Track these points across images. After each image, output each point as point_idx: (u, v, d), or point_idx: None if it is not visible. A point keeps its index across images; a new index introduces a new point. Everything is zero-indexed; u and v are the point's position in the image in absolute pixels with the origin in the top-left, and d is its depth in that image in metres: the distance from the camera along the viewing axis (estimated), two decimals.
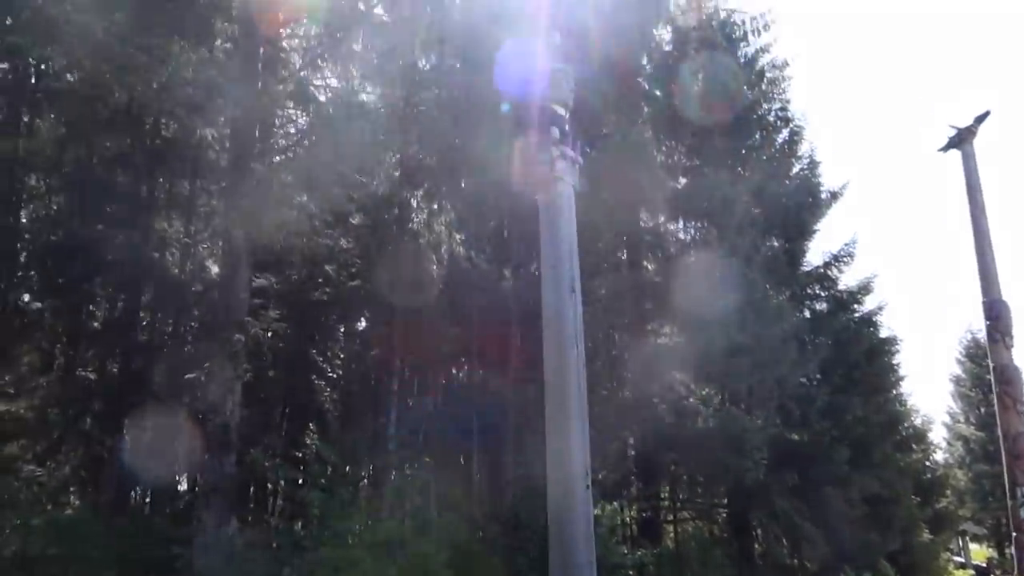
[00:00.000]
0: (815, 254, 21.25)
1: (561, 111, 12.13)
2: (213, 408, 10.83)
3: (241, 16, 11.16)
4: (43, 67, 13.53)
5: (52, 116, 14.70)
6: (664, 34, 21.67)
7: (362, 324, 17.38)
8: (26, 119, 15.67)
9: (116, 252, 13.58)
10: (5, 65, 15.03)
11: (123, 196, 14.67)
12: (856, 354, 20.62)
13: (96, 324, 15.63)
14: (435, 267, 14.40)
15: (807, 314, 20.68)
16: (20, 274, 15.79)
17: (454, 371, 17.01)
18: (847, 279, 21.53)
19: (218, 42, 13.31)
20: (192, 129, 12.15)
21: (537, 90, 12.39)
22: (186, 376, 13.44)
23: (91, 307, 15.67)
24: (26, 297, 16.45)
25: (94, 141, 13.97)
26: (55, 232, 15.44)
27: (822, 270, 21.27)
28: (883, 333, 22.73)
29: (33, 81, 14.29)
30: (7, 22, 11.55)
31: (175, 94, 10.22)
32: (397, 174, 14.94)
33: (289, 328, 14.19)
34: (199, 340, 13.43)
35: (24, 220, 16.31)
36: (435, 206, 14.68)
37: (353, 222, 14.92)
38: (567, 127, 12.04)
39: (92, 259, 13.58)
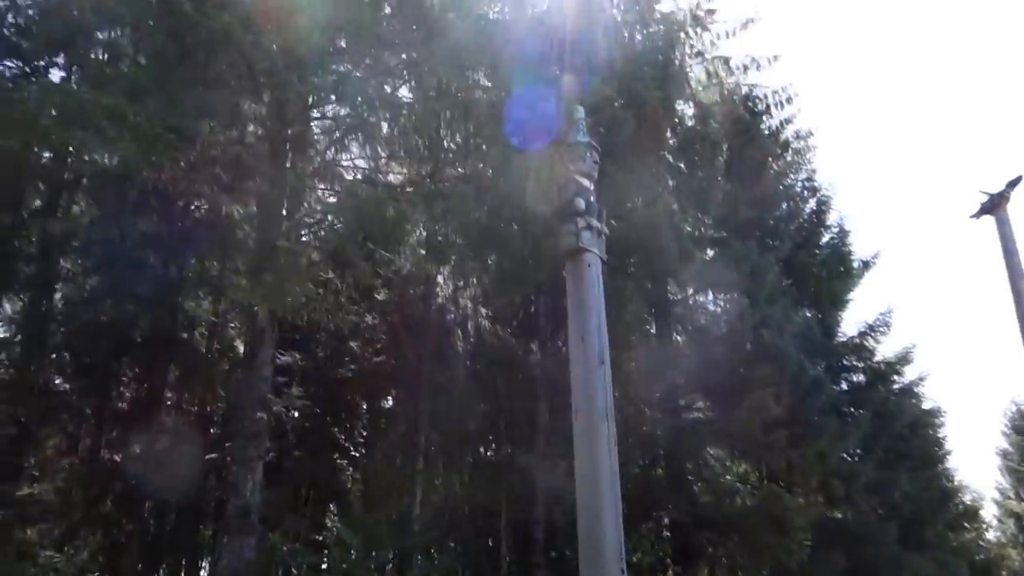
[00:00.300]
0: (850, 324, 20.70)
1: (586, 182, 12.10)
2: (234, 489, 10.55)
3: (269, 97, 11.42)
4: (74, 150, 13.92)
5: (85, 198, 15.06)
6: (687, 109, 21.96)
7: (388, 401, 17.17)
8: (63, 203, 16.14)
9: (144, 332, 13.62)
10: (46, 153, 15.58)
11: (153, 276, 14.84)
12: (899, 427, 19.75)
13: (122, 404, 15.59)
14: (461, 342, 14.23)
15: (845, 386, 20.02)
16: (51, 356, 15.92)
17: (481, 448, 16.59)
18: (884, 349, 20.84)
19: (249, 127, 13.67)
20: (220, 208, 12.30)
21: (561, 163, 12.39)
22: (208, 457, 13.22)
23: (118, 387, 15.66)
24: (58, 380, 16.56)
25: (125, 222, 14.24)
26: (86, 313, 15.62)
27: (858, 340, 20.63)
28: (926, 405, 21.83)
29: (69, 162, 14.71)
30: (46, 111, 11.93)
31: (204, 174, 10.37)
32: (423, 252, 14.96)
33: (312, 406, 13.99)
34: (222, 420, 13.29)
35: (57, 302, 16.58)
36: (461, 281, 14.62)
37: (379, 298, 14.90)
38: (592, 198, 11.97)
39: (121, 339, 13.63)
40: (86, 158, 13.75)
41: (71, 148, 12.75)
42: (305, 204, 12.49)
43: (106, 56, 14.95)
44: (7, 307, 16.92)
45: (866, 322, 20.83)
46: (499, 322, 14.91)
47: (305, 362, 14.36)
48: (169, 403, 15.48)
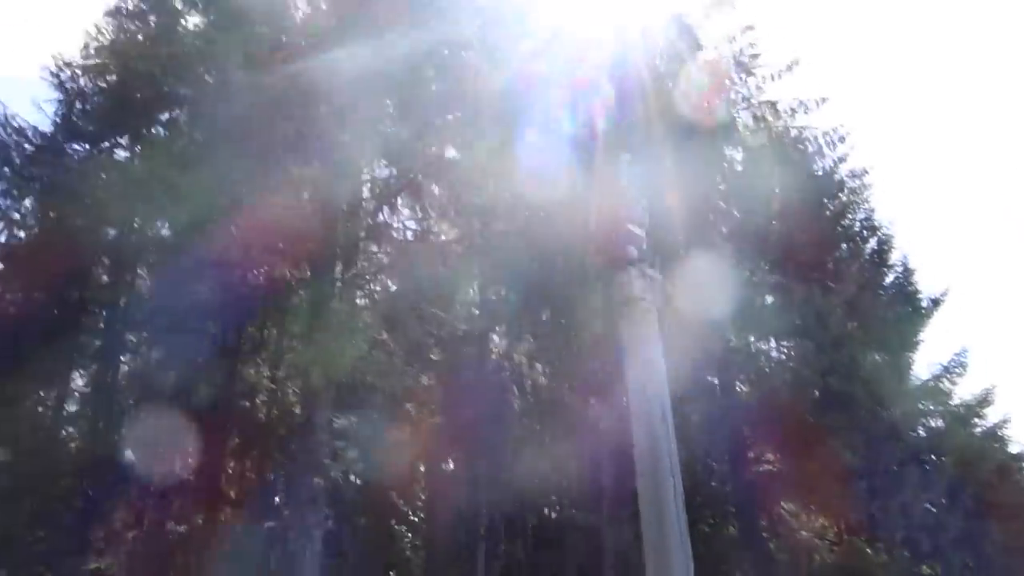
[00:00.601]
0: (922, 367, 19.77)
1: (637, 230, 11.87)
2: (291, 559, 10.39)
3: (320, 158, 11.66)
4: (137, 224, 14.40)
5: (147, 271, 15.52)
6: (736, 154, 21.71)
7: (447, 464, 16.82)
8: (127, 277, 16.67)
9: (204, 400, 13.75)
10: (111, 229, 16.20)
11: (212, 344, 15.05)
12: (985, 473, 18.60)
13: (186, 475, 15.68)
14: (518, 400, 13.93)
15: (922, 432, 18.99)
16: (117, 428, 16.21)
17: (545, 510, 16.08)
18: (962, 392, 19.80)
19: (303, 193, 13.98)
20: (274, 273, 12.49)
21: (612, 212, 12.23)
22: (267, 525, 13.12)
23: (182, 458, 15.78)
24: (124, 452, 16.83)
25: (184, 291, 14.55)
26: (149, 384, 15.90)
27: (933, 384, 19.67)
28: (1013, 448, 20.58)
29: (132, 237, 15.21)
30: (109, 188, 12.43)
31: (257, 239, 10.56)
32: (476, 312, 14.88)
33: (369, 470, 13.83)
34: (280, 486, 13.23)
35: (122, 375, 16.98)
36: (515, 338, 14.44)
37: (433, 358, 14.80)
38: (644, 245, 11.71)
39: (182, 409, 13.79)
40: (149, 233, 14.22)
41: (134, 223, 13.20)
42: (357, 265, 12.61)
43: (166, 133, 15.60)
44: (76, 380, 17.37)
45: (940, 364, 19.88)
46: (556, 378, 14.60)
47: (361, 426, 14.23)
48: (229, 471, 15.51)
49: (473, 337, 13.99)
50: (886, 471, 14.73)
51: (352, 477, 13.48)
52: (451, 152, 12.77)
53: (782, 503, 15.07)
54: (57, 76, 17.17)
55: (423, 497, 16.70)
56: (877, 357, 18.59)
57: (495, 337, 14.51)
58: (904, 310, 19.50)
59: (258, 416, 15.43)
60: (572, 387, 14.48)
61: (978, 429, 19.50)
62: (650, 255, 11.44)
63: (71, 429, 17.57)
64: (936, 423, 19.61)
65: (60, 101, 17.05)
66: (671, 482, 9.73)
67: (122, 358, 17.24)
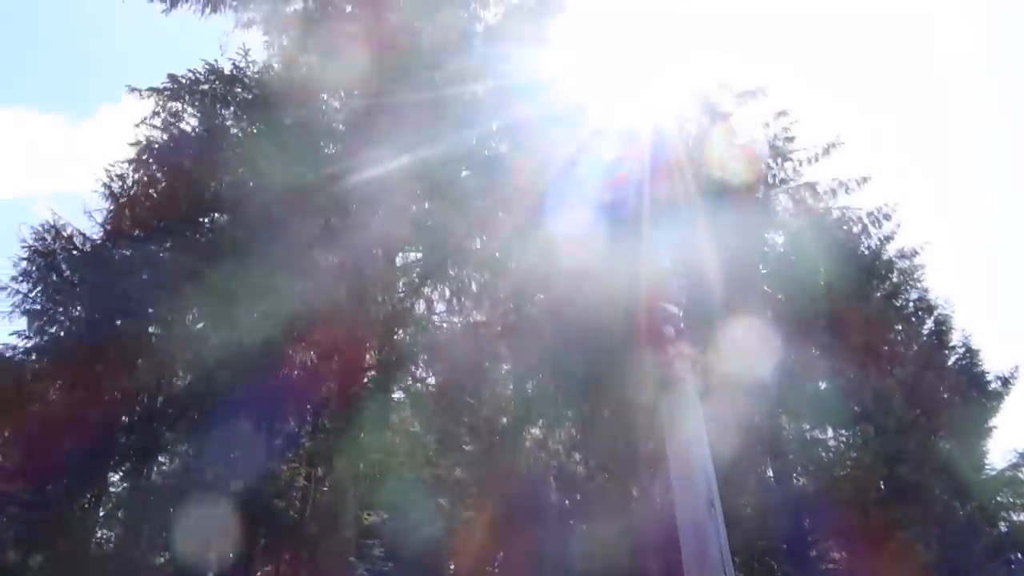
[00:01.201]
0: (997, 454, 18.33)
1: (673, 308, 11.43)
2: None
3: (347, 250, 11.67)
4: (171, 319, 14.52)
5: (185, 370, 15.56)
6: (777, 237, 21.31)
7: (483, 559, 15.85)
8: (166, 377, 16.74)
9: (237, 500, 13.39)
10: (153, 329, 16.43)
11: (245, 442, 14.80)
12: None
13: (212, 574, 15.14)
14: (555, 493, 13.17)
15: (1004, 527, 17.40)
16: (151, 530, 15.88)
17: None
18: None
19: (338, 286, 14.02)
20: (306, 365, 12.33)
21: (648, 292, 11.86)
22: None
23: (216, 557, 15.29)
24: (158, 556, 16.44)
25: (220, 390, 14.47)
26: (185, 485, 15.67)
27: (1011, 473, 18.17)
28: None
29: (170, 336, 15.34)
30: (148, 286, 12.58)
31: (287, 330, 10.43)
32: (511, 400, 14.41)
33: (395, 568, 13.09)
34: None
35: (155, 475, 16.79)
36: (552, 427, 13.85)
37: (467, 448, 14.25)
38: (682, 325, 11.25)
39: (213, 506, 13.43)
40: (185, 329, 14.31)
41: (170, 320, 13.29)
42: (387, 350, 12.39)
43: (209, 234, 16.00)
44: (113, 478, 17.22)
45: (1017, 451, 18.44)
46: (595, 468, 13.82)
47: (391, 522, 13.60)
48: (261, 571, 14.89)
49: (508, 426, 13.46)
50: (966, 570, 13.35)
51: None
52: (483, 237, 12.69)
53: None
54: (108, 186, 18.03)
55: None
56: (947, 445, 17.37)
57: (531, 428, 13.91)
58: (970, 394, 18.31)
59: (289, 514, 14.94)
60: (613, 475, 13.69)
61: None
62: (689, 335, 10.97)
63: (106, 532, 17.30)
64: (1019, 516, 18.00)
65: (109, 210, 17.81)
66: None
67: (159, 458, 17.13)
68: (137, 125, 14.66)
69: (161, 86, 14.51)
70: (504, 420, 13.56)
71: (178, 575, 15.60)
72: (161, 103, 13.84)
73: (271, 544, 14.69)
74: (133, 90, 14.97)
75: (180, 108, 14.53)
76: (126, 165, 17.46)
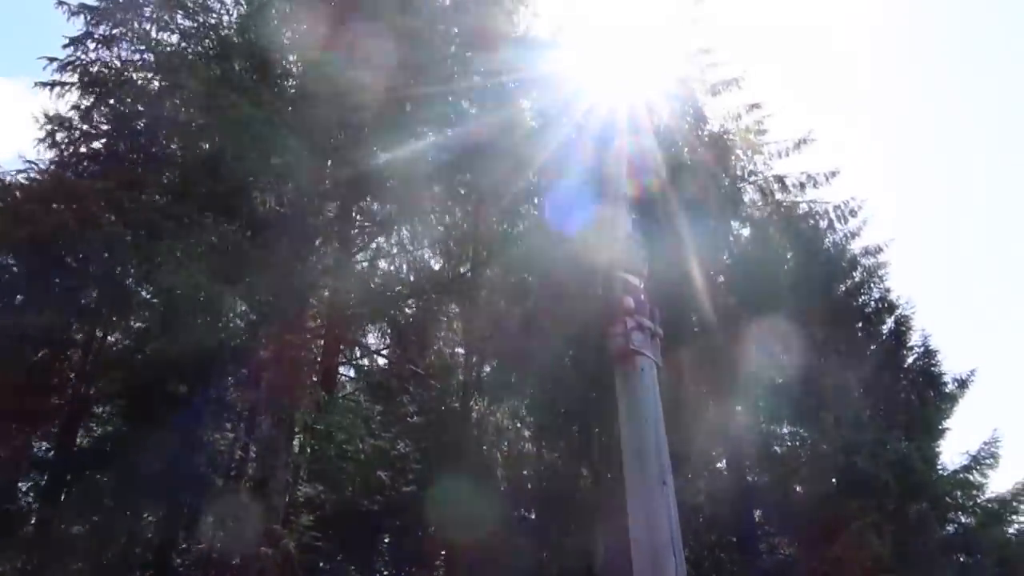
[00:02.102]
0: (950, 455, 18.21)
1: (634, 280, 10.86)
2: None
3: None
4: None
5: None
6: (743, 229, 21.02)
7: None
8: None
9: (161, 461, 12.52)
10: None
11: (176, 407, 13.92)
12: None
13: (137, 549, 14.25)
14: (501, 469, 12.53)
15: (951, 528, 17.28)
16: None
17: None
18: (996, 485, 18.13)
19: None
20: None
21: (609, 262, 11.28)
22: None
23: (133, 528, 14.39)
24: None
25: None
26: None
27: (962, 475, 18.06)
28: None
29: None
30: None
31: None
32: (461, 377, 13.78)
33: (326, 542, 12.27)
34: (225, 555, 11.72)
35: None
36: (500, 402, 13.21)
37: (411, 421, 13.57)
38: (643, 297, 10.68)
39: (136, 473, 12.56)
40: None
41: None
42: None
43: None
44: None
45: (969, 453, 18.28)
46: (544, 444, 13.25)
47: (329, 494, 12.82)
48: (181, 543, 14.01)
49: (453, 398, 12.82)
50: (915, 566, 13.10)
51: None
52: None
53: None
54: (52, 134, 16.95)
55: (384, 573, 14.84)
56: (903, 442, 17.21)
57: (478, 400, 13.24)
58: (926, 394, 18.16)
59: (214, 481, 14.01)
60: (563, 455, 13.14)
61: (1016, 526, 17.74)
62: (648, 307, 10.44)
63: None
64: (967, 519, 17.92)
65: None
66: (672, 560, 8.37)
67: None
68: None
69: None
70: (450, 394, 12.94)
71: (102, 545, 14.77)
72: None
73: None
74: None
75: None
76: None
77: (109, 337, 15.28)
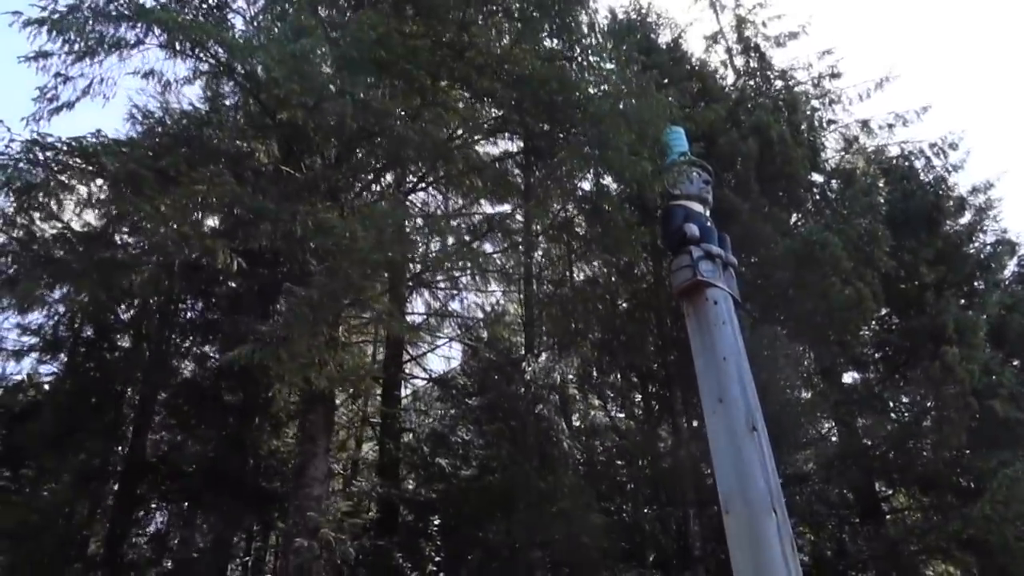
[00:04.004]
0: None
1: (696, 206, 9.46)
2: None
3: None
4: None
5: None
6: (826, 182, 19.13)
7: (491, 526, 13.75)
8: None
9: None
10: None
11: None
12: None
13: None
14: (567, 440, 11.09)
15: None
16: None
17: None
18: None
19: None
20: None
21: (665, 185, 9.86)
22: None
23: None
24: None
25: None
26: None
27: None
28: None
29: None
30: None
31: None
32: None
33: (381, 536, 11.22)
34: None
35: None
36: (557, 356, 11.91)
37: (470, 403, 12.44)
38: (709, 223, 9.30)
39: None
40: None
41: None
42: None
43: None
44: None
45: None
46: (614, 405, 11.87)
47: (384, 489, 11.84)
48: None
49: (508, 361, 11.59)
50: None
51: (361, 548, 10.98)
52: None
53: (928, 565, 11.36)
54: None
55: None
56: None
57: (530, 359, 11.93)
58: None
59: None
60: (636, 416, 11.66)
61: None
62: (716, 233, 9.02)
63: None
64: None
65: None
66: (772, 517, 6.93)
67: None
68: None
69: None
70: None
71: None
72: None
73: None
74: None
75: None
76: None
77: None
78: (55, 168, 7.20)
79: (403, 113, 8.02)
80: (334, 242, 6.79)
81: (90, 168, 7.54)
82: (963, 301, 14.86)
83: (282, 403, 6.51)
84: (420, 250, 9.44)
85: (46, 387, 15.05)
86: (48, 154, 7.16)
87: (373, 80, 7.82)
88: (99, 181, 7.73)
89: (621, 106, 7.88)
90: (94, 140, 7.25)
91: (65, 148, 7.20)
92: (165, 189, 6.76)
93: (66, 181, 7.44)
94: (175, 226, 6.57)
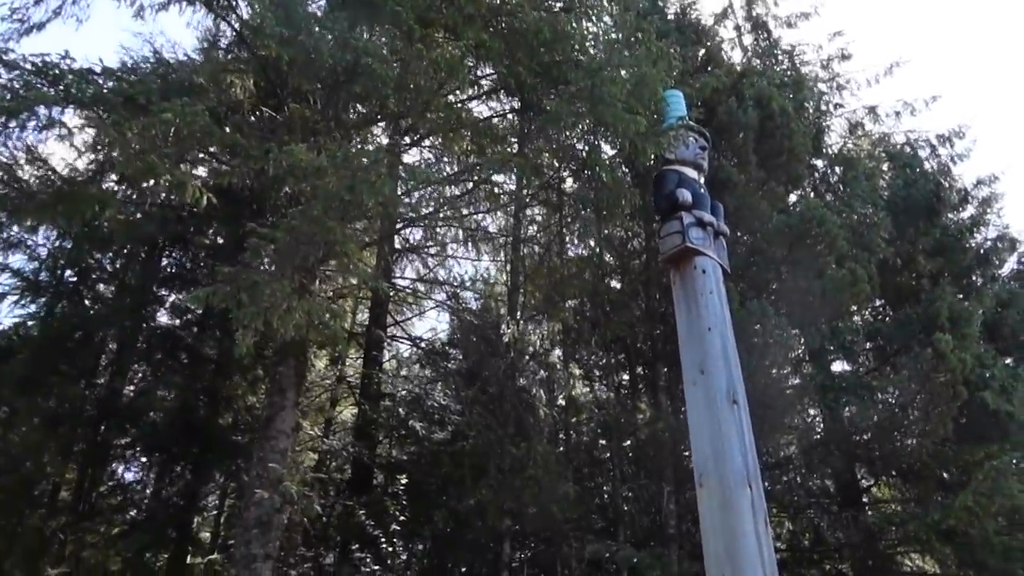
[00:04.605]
0: None
1: (690, 171, 9.18)
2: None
3: None
4: None
5: None
6: (830, 168, 18.77)
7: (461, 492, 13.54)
8: None
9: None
10: None
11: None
12: None
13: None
14: (546, 408, 10.86)
15: None
16: None
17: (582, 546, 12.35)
18: None
19: None
20: None
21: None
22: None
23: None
24: None
25: None
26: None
27: None
28: None
29: None
30: None
31: None
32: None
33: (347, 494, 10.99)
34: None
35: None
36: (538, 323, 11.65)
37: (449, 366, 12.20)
38: (703, 190, 8.99)
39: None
40: None
41: None
42: None
43: None
44: None
45: None
46: (596, 380, 11.61)
47: (356, 448, 11.64)
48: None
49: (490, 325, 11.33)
50: None
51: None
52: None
53: (906, 554, 11.17)
54: None
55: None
56: None
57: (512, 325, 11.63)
58: None
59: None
60: (614, 387, 11.45)
61: None
62: (708, 200, 8.73)
63: None
64: None
65: None
66: (748, 492, 6.70)
67: None
68: None
69: None
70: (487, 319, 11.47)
71: None
72: None
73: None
74: None
75: None
76: None
77: None
78: (20, 90, 6.85)
79: (388, 55, 7.65)
80: (308, 183, 6.47)
81: (60, 94, 7.18)
82: (960, 295, 14.58)
83: (244, 350, 6.24)
84: (404, 201, 9.08)
85: (21, 332, 14.77)
86: (13, 73, 6.81)
87: (359, 19, 7.45)
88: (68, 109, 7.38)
89: (616, 58, 7.51)
90: (60, 62, 6.91)
91: (30, 67, 6.85)
92: (134, 117, 6.44)
93: (33, 105, 7.07)
94: (141, 152, 6.25)
